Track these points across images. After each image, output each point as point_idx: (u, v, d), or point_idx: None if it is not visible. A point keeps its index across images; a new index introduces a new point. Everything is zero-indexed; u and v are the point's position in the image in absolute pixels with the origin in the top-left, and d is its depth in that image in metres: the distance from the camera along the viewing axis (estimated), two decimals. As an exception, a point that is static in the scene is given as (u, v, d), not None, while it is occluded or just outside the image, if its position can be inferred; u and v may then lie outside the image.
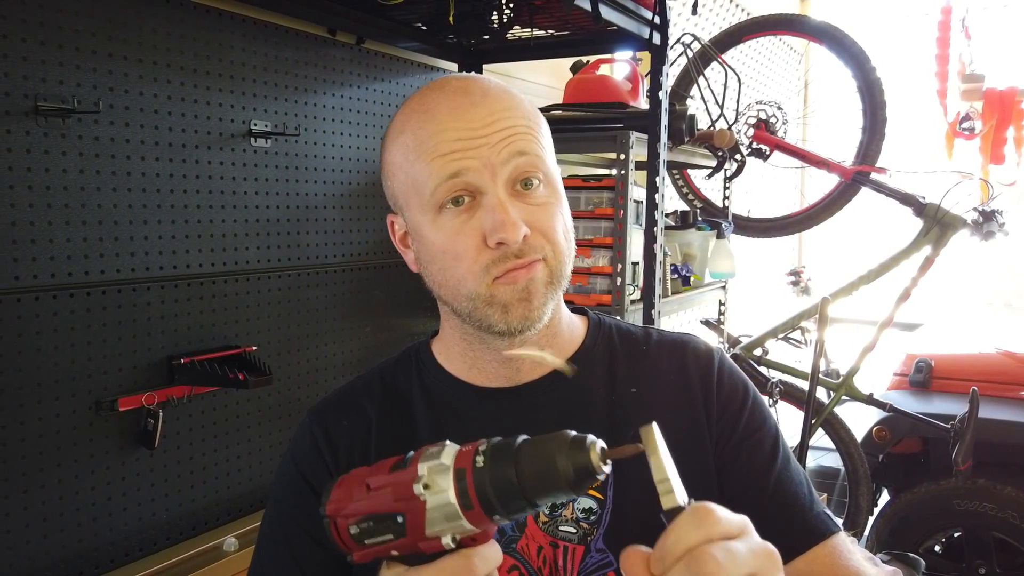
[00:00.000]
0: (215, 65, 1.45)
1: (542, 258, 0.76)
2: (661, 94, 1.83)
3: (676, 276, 2.37)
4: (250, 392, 1.55)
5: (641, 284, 1.97)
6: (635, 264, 1.98)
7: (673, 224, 2.56)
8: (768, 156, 2.73)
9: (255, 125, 1.53)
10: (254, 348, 1.54)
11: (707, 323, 2.89)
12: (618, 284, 1.99)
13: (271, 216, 1.59)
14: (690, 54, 2.47)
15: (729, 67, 2.45)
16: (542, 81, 2.48)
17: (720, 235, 2.61)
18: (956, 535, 2.47)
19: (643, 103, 2.16)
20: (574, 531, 0.77)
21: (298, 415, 1.67)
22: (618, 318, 0.94)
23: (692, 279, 2.47)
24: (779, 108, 2.77)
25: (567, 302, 0.91)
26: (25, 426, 1.21)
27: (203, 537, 1.49)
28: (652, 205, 1.87)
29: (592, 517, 0.77)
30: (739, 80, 2.48)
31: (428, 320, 2.04)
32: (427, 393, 0.86)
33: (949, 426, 2.32)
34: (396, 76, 1.88)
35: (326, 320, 1.73)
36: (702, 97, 2.50)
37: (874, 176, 2.59)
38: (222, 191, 1.49)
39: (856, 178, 2.61)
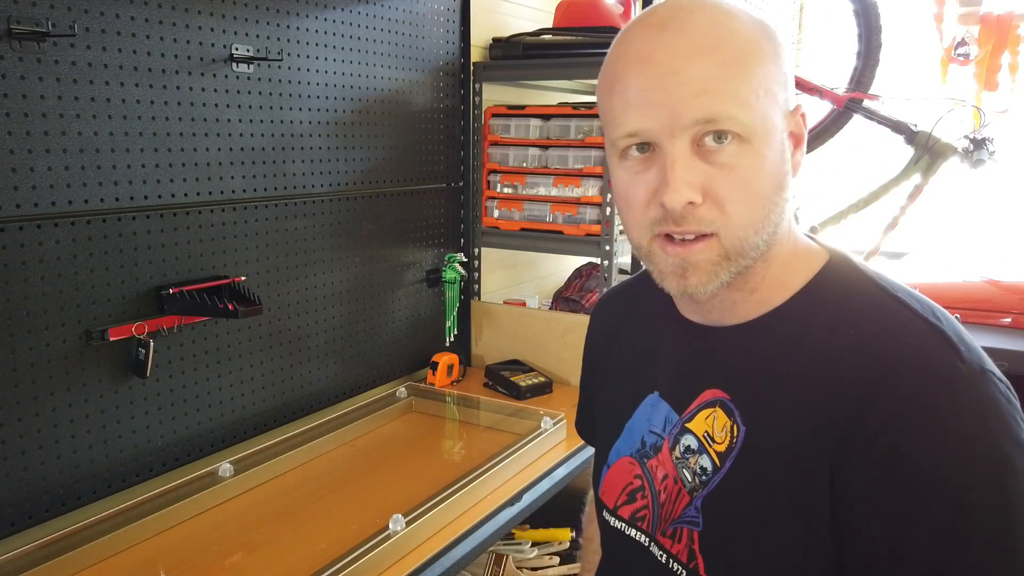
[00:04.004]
0: (193, -14, 1.40)
1: (711, 233, 0.69)
2: (653, 18, 1.78)
3: (666, 205, 2.36)
4: (240, 322, 1.55)
5: (631, 213, 1.96)
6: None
7: (664, 153, 2.54)
8: (761, 83, 2.69)
9: (236, 49, 1.49)
10: (243, 278, 1.54)
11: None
12: (607, 214, 1.99)
13: (255, 144, 1.56)
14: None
15: (723, -11, 2.38)
16: (532, 4, 2.41)
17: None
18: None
19: (635, 27, 2.12)
20: (689, 479, 0.76)
21: (288, 344, 1.68)
22: (873, 271, 0.75)
23: (682, 208, 2.46)
24: (773, 33, 2.71)
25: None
26: (16, 356, 1.21)
27: (199, 463, 1.52)
28: (643, 133, 1.85)
29: (704, 476, 0.75)
30: (733, 3, 2.41)
31: (416, 249, 2.04)
32: (651, 307, 0.92)
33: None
34: (381, -2, 1.82)
35: (314, 250, 1.73)
36: (695, 21, 2.44)
37: (867, 103, 2.56)
38: (204, 118, 1.46)
39: (849, 105, 2.58)
